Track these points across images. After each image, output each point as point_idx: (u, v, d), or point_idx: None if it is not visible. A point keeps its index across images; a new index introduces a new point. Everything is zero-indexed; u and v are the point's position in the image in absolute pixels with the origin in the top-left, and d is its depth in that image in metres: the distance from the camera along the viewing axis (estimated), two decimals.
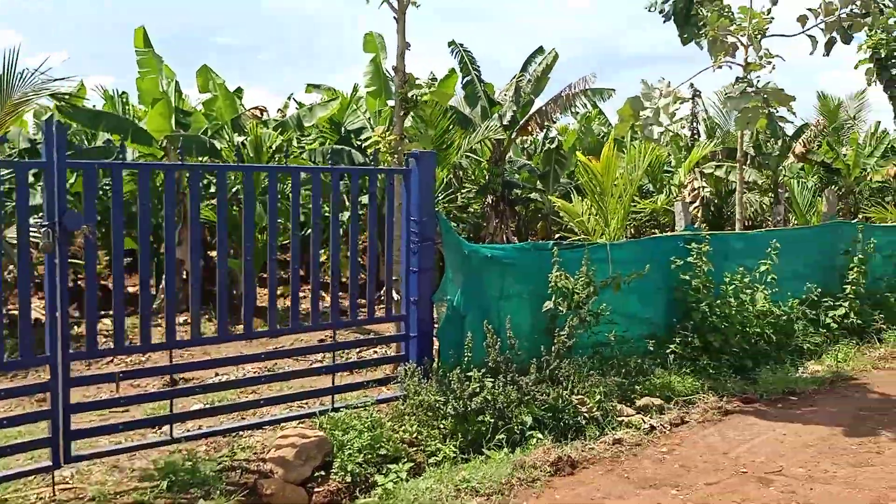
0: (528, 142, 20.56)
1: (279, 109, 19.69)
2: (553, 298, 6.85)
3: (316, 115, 12.92)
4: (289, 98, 17.80)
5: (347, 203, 10.05)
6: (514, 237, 16.24)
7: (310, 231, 6.57)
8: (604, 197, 9.58)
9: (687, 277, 8.21)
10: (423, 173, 6.23)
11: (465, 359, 6.26)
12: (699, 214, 18.97)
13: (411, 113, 7.41)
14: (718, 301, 8.27)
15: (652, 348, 7.73)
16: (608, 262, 7.74)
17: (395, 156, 7.32)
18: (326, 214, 8.50)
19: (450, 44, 15.79)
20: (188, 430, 5.74)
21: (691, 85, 21.48)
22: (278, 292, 12.91)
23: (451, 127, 13.42)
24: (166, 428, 5.36)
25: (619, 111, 10.60)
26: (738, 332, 8.22)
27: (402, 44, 7.18)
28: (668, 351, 7.82)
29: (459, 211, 14.71)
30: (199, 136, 11.54)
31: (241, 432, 5.83)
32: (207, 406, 6.23)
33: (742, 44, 10.96)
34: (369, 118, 14.49)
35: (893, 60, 14.71)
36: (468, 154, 15.07)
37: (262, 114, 12.46)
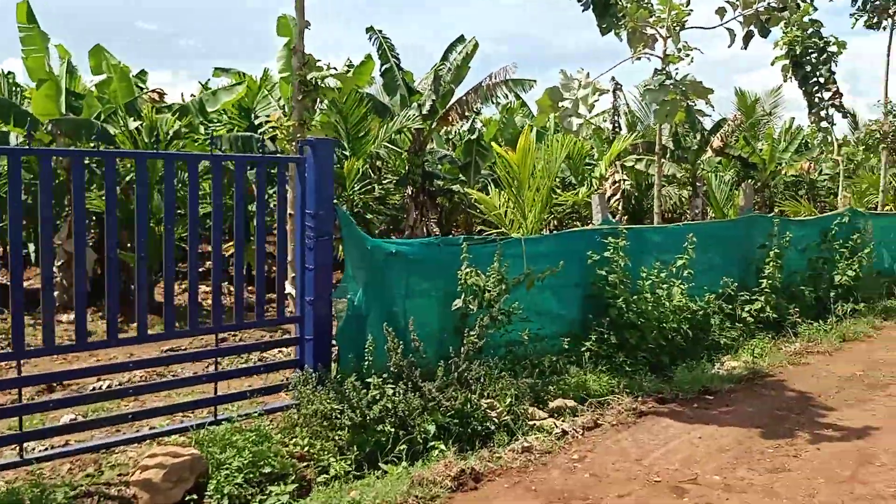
0: (454, 133, 20.17)
1: (192, 95, 18.69)
2: (462, 297, 6.43)
3: (220, 100, 12.13)
4: (205, 84, 16.85)
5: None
6: (435, 230, 15.82)
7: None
8: (521, 189, 9.22)
9: (604, 273, 7.93)
10: (319, 162, 5.69)
11: (366, 363, 5.77)
12: (620, 207, 18.99)
13: (324, 101, 6.84)
14: (635, 297, 8.03)
15: (567, 346, 7.41)
16: (523, 257, 7.39)
17: (295, 143, 6.75)
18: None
19: (368, 30, 15.18)
20: (52, 447, 5.09)
21: (612, 78, 21.56)
22: (182, 288, 12.17)
23: (367, 115, 12.87)
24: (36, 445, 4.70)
25: (538, 101, 10.28)
26: (654, 328, 8.00)
27: (302, 22, 6.62)
28: (583, 349, 7.52)
29: (377, 203, 14.17)
30: (89, 121, 10.62)
31: (114, 448, 5.22)
32: (74, 420, 5.56)
33: (661, 36, 10.77)
34: (283, 105, 13.78)
35: (808, 57, 14.93)
36: (387, 144, 14.55)
37: (160, 97, 11.61)
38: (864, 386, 7.22)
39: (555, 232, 8.15)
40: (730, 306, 9.36)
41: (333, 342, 5.96)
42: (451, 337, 6.49)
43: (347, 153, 13.10)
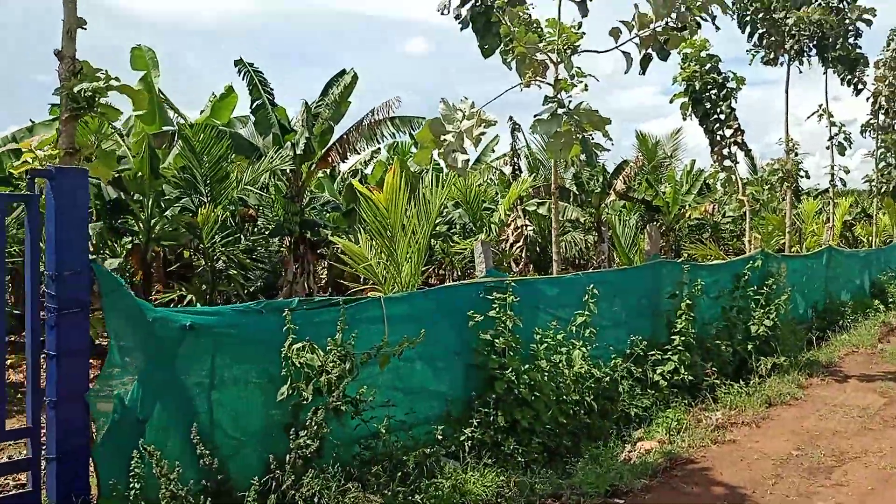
0: (341, 176, 18.63)
1: None
2: (288, 382, 4.77)
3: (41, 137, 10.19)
4: None
5: None
6: (316, 286, 14.09)
7: None
8: (394, 237, 7.69)
9: (488, 337, 6.44)
10: (63, 200, 3.99)
11: (136, 491, 4.01)
12: (523, 255, 17.83)
13: (179, 141, 5.12)
14: (528, 366, 6.55)
15: (443, 435, 5.80)
16: (383, 322, 5.81)
17: (25, 174, 5.00)
18: None
19: (236, 63, 13.59)
20: None
21: (510, 118, 20.60)
22: None
23: (227, 155, 11.15)
24: None
25: (418, 135, 8.89)
26: (551, 405, 6.54)
27: (72, 20, 4.94)
28: (463, 437, 5.95)
29: (245, 255, 12.38)
30: None
31: None
32: None
33: (552, 61, 9.55)
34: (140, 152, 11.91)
35: (707, 94, 14.25)
36: (255, 190, 12.84)
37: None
38: (803, 472, 5.90)
39: (422, 289, 6.60)
40: (639, 369, 8.02)
41: (91, 462, 4.16)
42: (280, 439, 4.81)
43: (205, 199, 11.31)
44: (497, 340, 6.45)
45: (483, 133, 8.48)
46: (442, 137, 8.39)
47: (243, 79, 13.65)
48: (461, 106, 8.58)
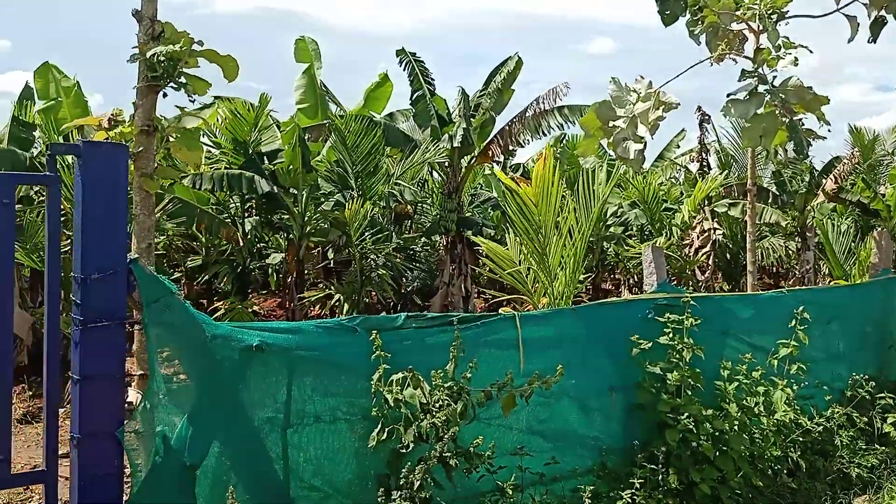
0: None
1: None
2: (381, 425, 3.67)
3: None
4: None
5: None
6: (474, 289, 13.10)
7: None
8: (547, 237, 6.42)
9: (658, 370, 5.01)
10: (94, 184, 3.15)
11: None
12: (710, 263, 15.74)
13: (194, 95, 4.35)
14: (711, 411, 5.03)
15: (593, 495, 4.47)
16: (518, 347, 4.58)
17: (139, 159, 4.27)
18: None
19: (398, 53, 12.88)
20: None
21: (699, 109, 18.42)
22: None
23: (378, 147, 10.42)
24: None
25: (582, 122, 7.59)
26: (743, 463, 4.98)
27: None
28: (621, 502, 4.57)
29: (403, 256, 11.63)
30: (12, 151, 8.62)
31: None
32: None
33: (752, 30, 7.81)
34: (292, 143, 11.54)
35: None
36: (410, 186, 12.06)
37: (110, 123, 9.49)
38: None
39: (575, 306, 5.27)
40: (863, 416, 6.16)
41: None
42: (374, 491, 3.74)
43: (354, 194, 10.66)
44: (670, 375, 5.01)
45: (662, 118, 7.02)
46: (611, 123, 7.04)
47: (405, 69, 12.91)
48: (635, 86, 7.13)
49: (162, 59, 4.03)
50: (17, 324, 9.18)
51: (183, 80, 4.24)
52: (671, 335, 5.07)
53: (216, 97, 11.63)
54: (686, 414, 4.88)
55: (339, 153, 10.58)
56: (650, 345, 5.01)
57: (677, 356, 5.04)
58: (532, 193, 6.20)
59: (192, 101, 4.39)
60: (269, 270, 14.32)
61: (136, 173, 4.27)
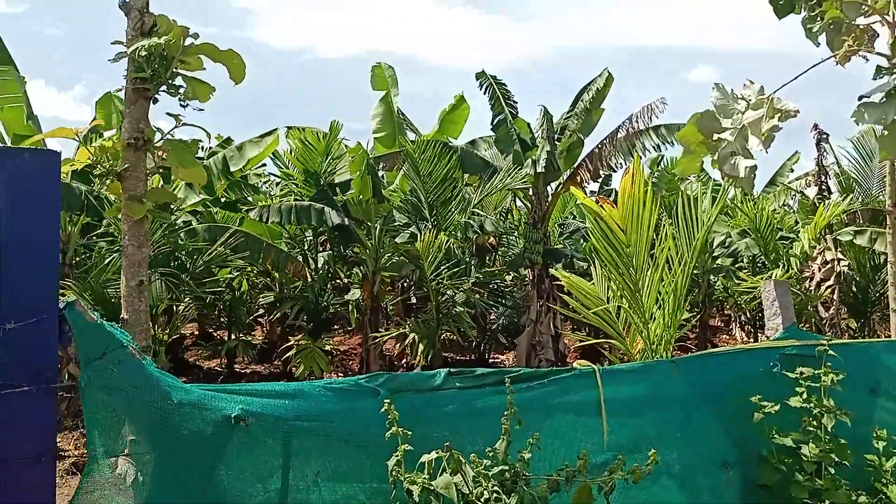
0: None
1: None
2: None
3: (247, 156, 9.46)
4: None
5: None
6: (564, 326, 11.97)
7: None
8: (635, 270, 5.34)
9: (788, 441, 3.83)
10: (12, 202, 2.38)
11: None
12: (835, 298, 13.97)
13: (187, 100, 3.62)
14: (864, 497, 3.79)
15: None
16: (600, 411, 3.54)
17: (127, 178, 3.54)
18: None
19: (478, 76, 12.10)
20: None
21: (815, 126, 16.66)
22: None
23: (451, 174, 9.59)
24: None
25: (680, 136, 6.49)
26: None
27: None
28: None
29: (480, 290, 10.68)
30: (64, 184, 8.28)
31: None
32: None
33: (887, 22, 6.49)
34: (360, 173, 10.91)
35: None
36: (493, 217, 11.14)
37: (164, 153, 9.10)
38: None
39: (698, 353, 4.18)
40: None
41: None
42: None
43: (429, 225, 9.84)
44: (805, 448, 3.82)
45: (777, 128, 5.83)
46: (716, 136, 5.91)
47: (485, 93, 12.10)
48: (744, 92, 5.96)
49: (148, 55, 3.32)
50: None
51: (180, 82, 3.52)
52: (805, 395, 3.89)
53: (289, 127, 11.16)
54: (829, 502, 3.67)
55: (412, 181, 9.83)
56: (777, 407, 3.85)
57: (815, 423, 3.85)
58: (619, 217, 5.14)
59: (184, 106, 3.65)
60: (350, 307, 13.69)
61: (124, 195, 3.56)
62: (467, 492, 2.76)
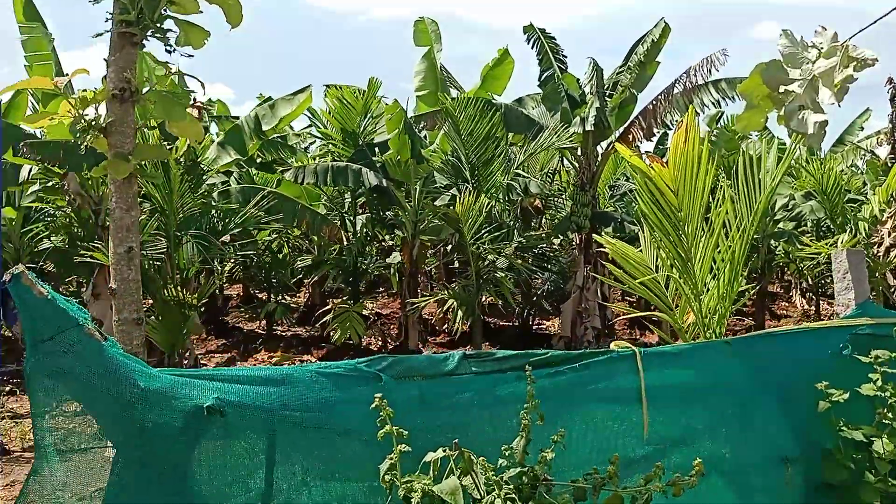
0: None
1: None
2: None
3: (279, 115, 9.09)
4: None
5: None
6: (611, 296, 11.46)
7: None
8: (687, 236, 4.82)
9: (860, 435, 3.35)
10: None
11: None
12: None
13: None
14: None
15: None
16: (640, 398, 3.11)
17: (112, 134, 3.20)
18: None
19: (525, 29, 11.47)
20: None
21: (890, 80, 15.50)
22: None
23: (495, 133, 9.08)
24: None
25: (743, 87, 5.91)
26: None
27: None
28: None
29: (525, 254, 10.23)
30: (71, 143, 8.03)
31: None
32: None
33: None
34: (423, 133, 10.52)
35: None
36: (525, 175, 10.62)
37: (199, 114, 8.79)
38: None
39: (755, 332, 3.69)
40: None
41: None
42: None
43: (469, 186, 9.38)
44: (878, 444, 3.33)
45: (852, 79, 5.20)
46: (782, 88, 5.30)
47: (533, 47, 11.47)
48: (816, 40, 5.32)
49: (157, 14, 2.94)
50: (109, 326, 8.69)
51: (171, 26, 3.14)
52: (880, 382, 3.38)
53: (327, 86, 10.77)
54: None
55: (452, 141, 9.36)
56: (846, 396, 3.35)
57: (890, 415, 3.34)
58: (669, 177, 4.62)
59: (170, 52, 3.27)
60: (392, 270, 13.41)
61: (110, 152, 3.22)
62: (478, 497, 2.38)
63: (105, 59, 3.23)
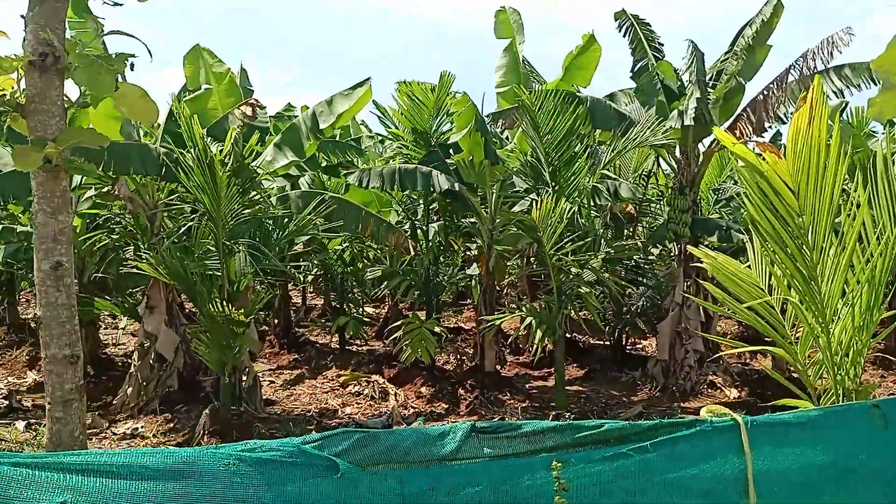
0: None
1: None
2: None
3: (336, 111, 8.36)
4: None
5: None
6: (716, 315, 10.14)
7: None
8: (810, 249, 3.71)
9: None
10: None
11: None
12: None
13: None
14: None
15: None
16: (746, 493, 2.07)
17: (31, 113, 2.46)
18: None
19: (617, 16, 10.38)
20: None
21: None
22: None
23: (576, 128, 8.06)
24: None
25: (877, 65, 4.89)
26: None
27: None
28: None
29: (616, 267, 9.13)
30: (143, 145, 7.56)
31: None
32: None
33: None
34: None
35: None
36: (612, 177, 9.50)
37: (252, 112, 8.16)
38: None
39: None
40: None
41: None
42: None
43: (550, 190, 8.38)
44: None
45: None
46: None
47: (625, 35, 10.36)
48: None
49: None
50: (163, 342, 8.24)
51: None
52: None
53: (398, 82, 10.02)
54: None
55: (530, 139, 8.41)
56: None
57: None
58: (787, 171, 3.53)
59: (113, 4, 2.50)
60: (474, 282, 12.54)
61: (30, 136, 2.49)
62: None
63: (22, 16, 2.51)
